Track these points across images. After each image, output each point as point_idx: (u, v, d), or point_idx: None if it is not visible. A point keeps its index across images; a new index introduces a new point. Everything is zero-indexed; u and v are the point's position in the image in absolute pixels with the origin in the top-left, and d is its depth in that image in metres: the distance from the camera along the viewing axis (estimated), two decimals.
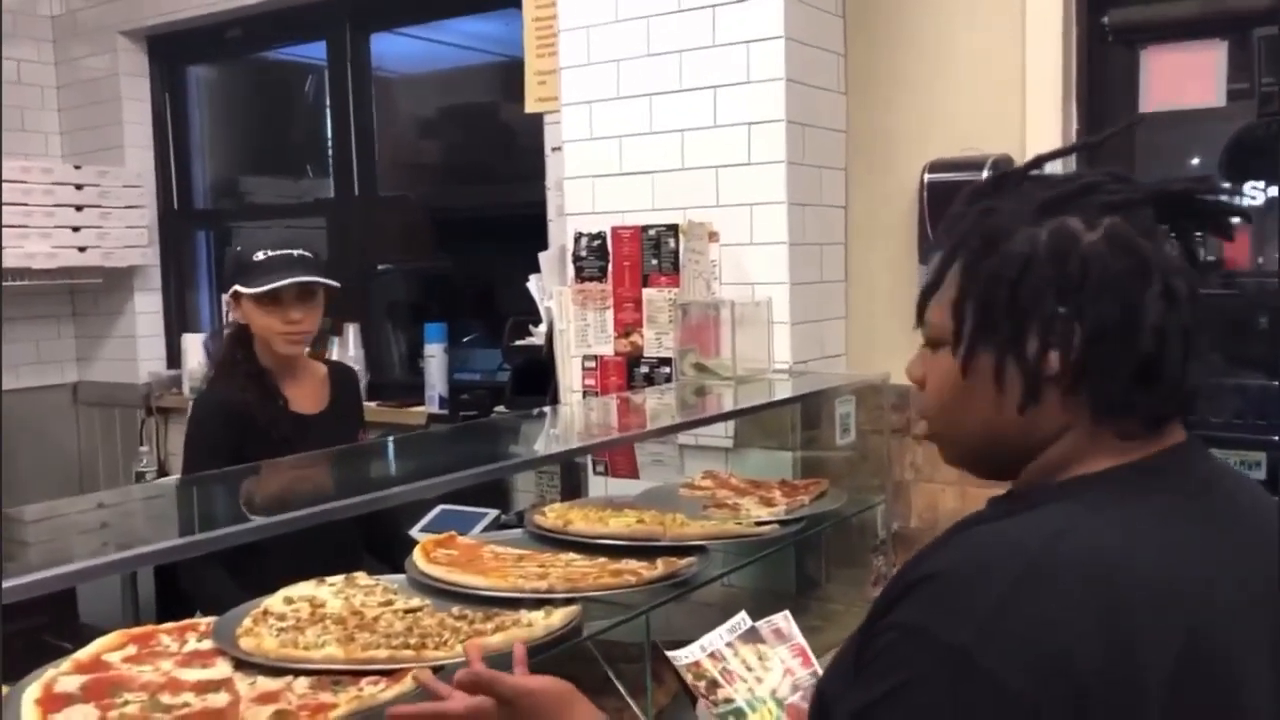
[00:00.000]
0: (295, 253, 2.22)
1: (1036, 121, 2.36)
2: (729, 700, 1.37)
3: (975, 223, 0.93)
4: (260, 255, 2.21)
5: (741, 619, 1.50)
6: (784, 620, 1.55)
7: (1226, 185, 1.00)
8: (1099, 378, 0.87)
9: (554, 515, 1.87)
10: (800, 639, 1.52)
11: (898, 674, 0.80)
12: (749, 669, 1.43)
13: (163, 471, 4.08)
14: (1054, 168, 1.06)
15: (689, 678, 1.40)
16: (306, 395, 2.33)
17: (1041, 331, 0.87)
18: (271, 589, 1.52)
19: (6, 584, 0.94)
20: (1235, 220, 1.02)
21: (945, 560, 0.85)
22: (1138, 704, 0.77)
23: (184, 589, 2.16)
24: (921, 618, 0.81)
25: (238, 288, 2.21)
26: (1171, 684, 0.78)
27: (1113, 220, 0.88)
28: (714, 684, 1.38)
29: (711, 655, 1.42)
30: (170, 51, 4.33)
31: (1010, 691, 0.75)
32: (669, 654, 1.41)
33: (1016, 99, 2.39)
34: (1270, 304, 2.23)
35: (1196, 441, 0.93)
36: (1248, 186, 2.26)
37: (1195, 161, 2.40)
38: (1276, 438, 2.18)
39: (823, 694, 0.96)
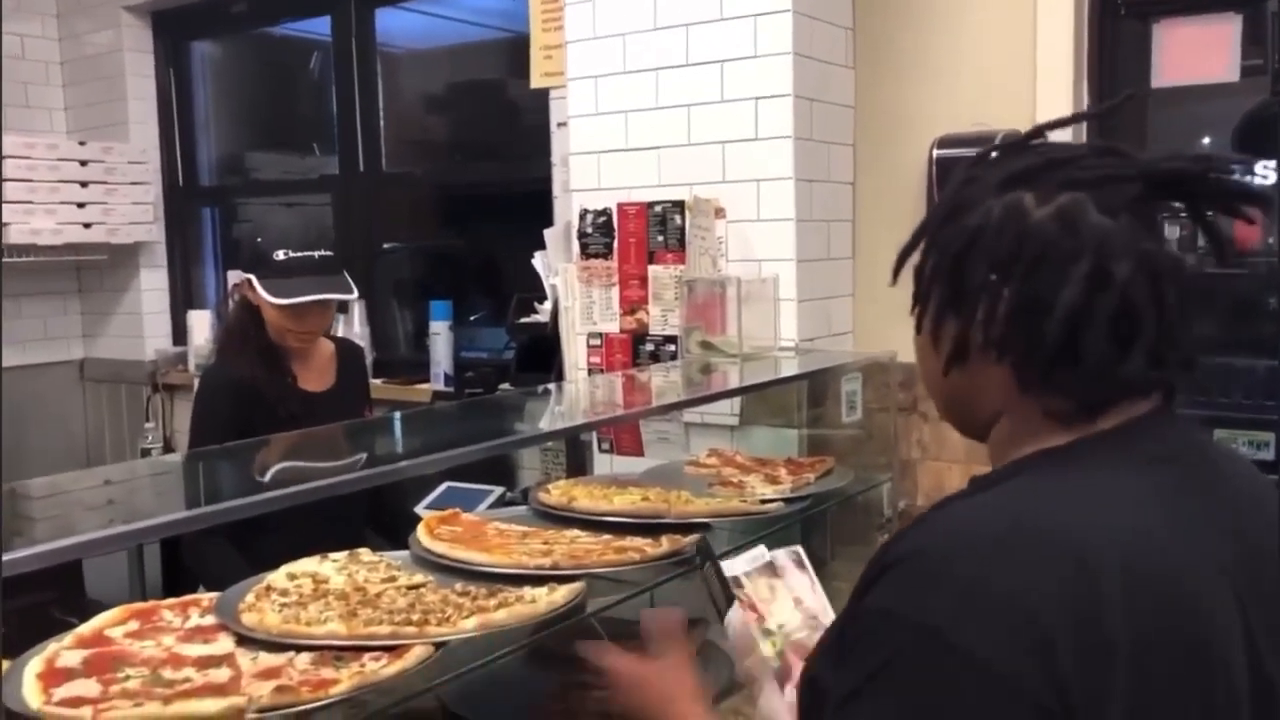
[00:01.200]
0: (316, 255, 2.20)
1: (1047, 96, 2.33)
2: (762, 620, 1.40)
3: (954, 192, 0.96)
4: (281, 254, 2.18)
5: (760, 552, 1.50)
6: (796, 555, 1.57)
7: (1237, 162, 0.97)
8: (1019, 352, 0.89)
9: (558, 492, 1.86)
10: (811, 573, 1.54)
11: (876, 657, 0.80)
12: (761, 600, 1.44)
13: (168, 448, 4.09)
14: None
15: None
16: (314, 372, 2.33)
17: (971, 299, 0.90)
18: (276, 565, 1.52)
19: (9, 556, 0.94)
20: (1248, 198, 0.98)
21: (914, 542, 0.85)
22: (1109, 665, 0.77)
23: (187, 564, 2.17)
24: (893, 601, 0.82)
25: (254, 281, 2.19)
26: (1141, 645, 0.77)
27: (1072, 197, 0.88)
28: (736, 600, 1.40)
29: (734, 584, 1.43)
30: (175, 27, 4.31)
31: (987, 665, 0.76)
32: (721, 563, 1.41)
33: (1027, 73, 2.36)
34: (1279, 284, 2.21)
35: (1167, 413, 0.92)
36: (1259, 166, 2.24)
37: (1206, 140, 2.38)
38: None
39: (813, 678, 0.96)
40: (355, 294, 2.26)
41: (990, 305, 0.88)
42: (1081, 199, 0.88)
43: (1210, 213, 0.95)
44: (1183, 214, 0.95)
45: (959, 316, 0.91)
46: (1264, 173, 2.24)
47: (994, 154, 0.98)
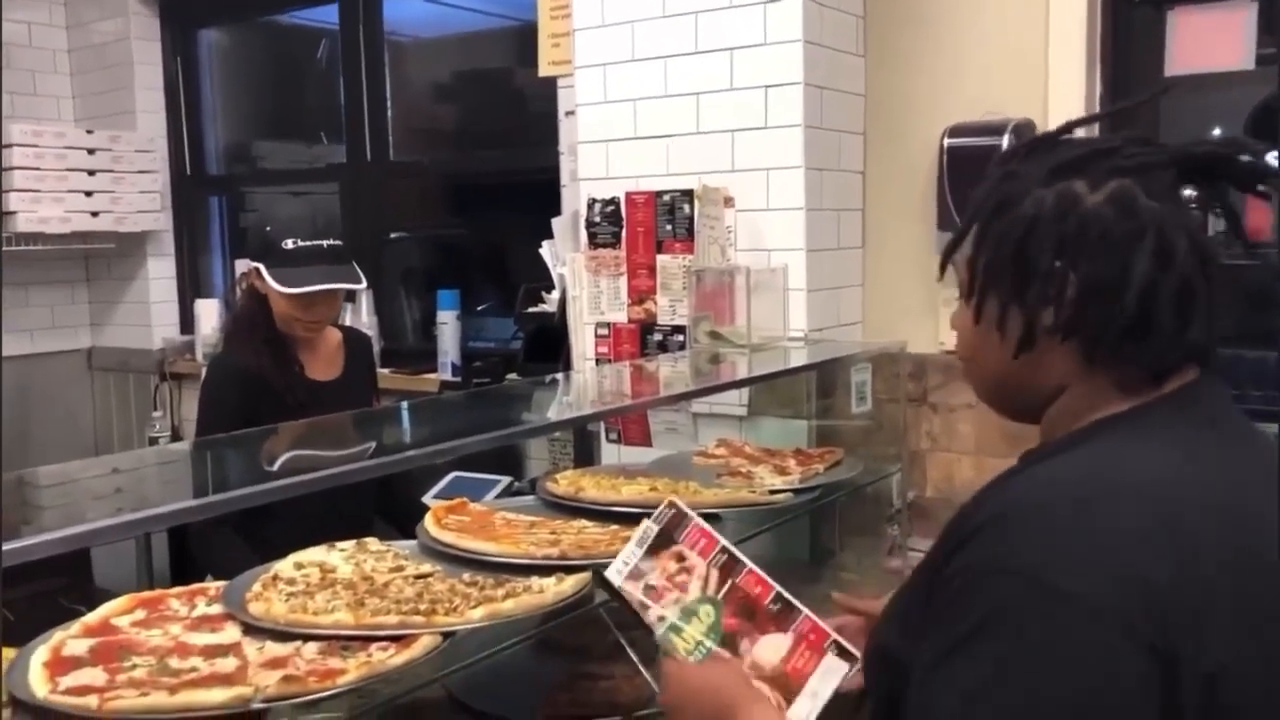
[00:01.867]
0: (325, 244, 2.19)
1: (1059, 84, 2.31)
2: (662, 619, 1.27)
3: (994, 186, 1.00)
4: (290, 244, 2.17)
5: (646, 527, 1.33)
6: (676, 510, 1.35)
7: (1258, 145, 1.01)
8: (1089, 331, 0.93)
9: (566, 482, 1.85)
10: (697, 519, 1.34)
11: (980, 610, 0.82)
12: (672, 579, 1.30)
13: (176, 437, 4.09)
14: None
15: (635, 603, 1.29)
16: (321, 361, 2.32)
17: (1040, 285, 0.94)
18: (283, 554, 1.52)
19: (15, 544, 0.93)
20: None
21: (1003, 502, 0.88)
22: (1209, 615, 0.80)
23: (194, 554, 2.16)
24: (993, 554, 0.84)
25: (263, 270, 2.18)
26: (1235, 596, 0.82)
27: (1121, 183, 0.93)
28: (643, 606, 1.28)
29: (631, 576, 1.31)
30: (182, 15, 4.30)
31: (1100, 609, 0.78)
32: (610, 578, 1.31)
33: (1039, 61, 2.34)
34: None
35: (1213, 377, 0.98)
36: (1271, 156, 2.22)
37: (1216, 131, 2.35)
38: None
39: (883, 648, 0.99)
40: (364, 284, 2.25)
41: (1058, 289, 0.93)
42: (1130, 185, 0.93)
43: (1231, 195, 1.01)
44: (1194, 203, 1.01)
45: (1025, 303, 0.95)
46: (1274, 162, 2.22)
47: (1026, 150, 1.02)
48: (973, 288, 1.00)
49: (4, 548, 0.91)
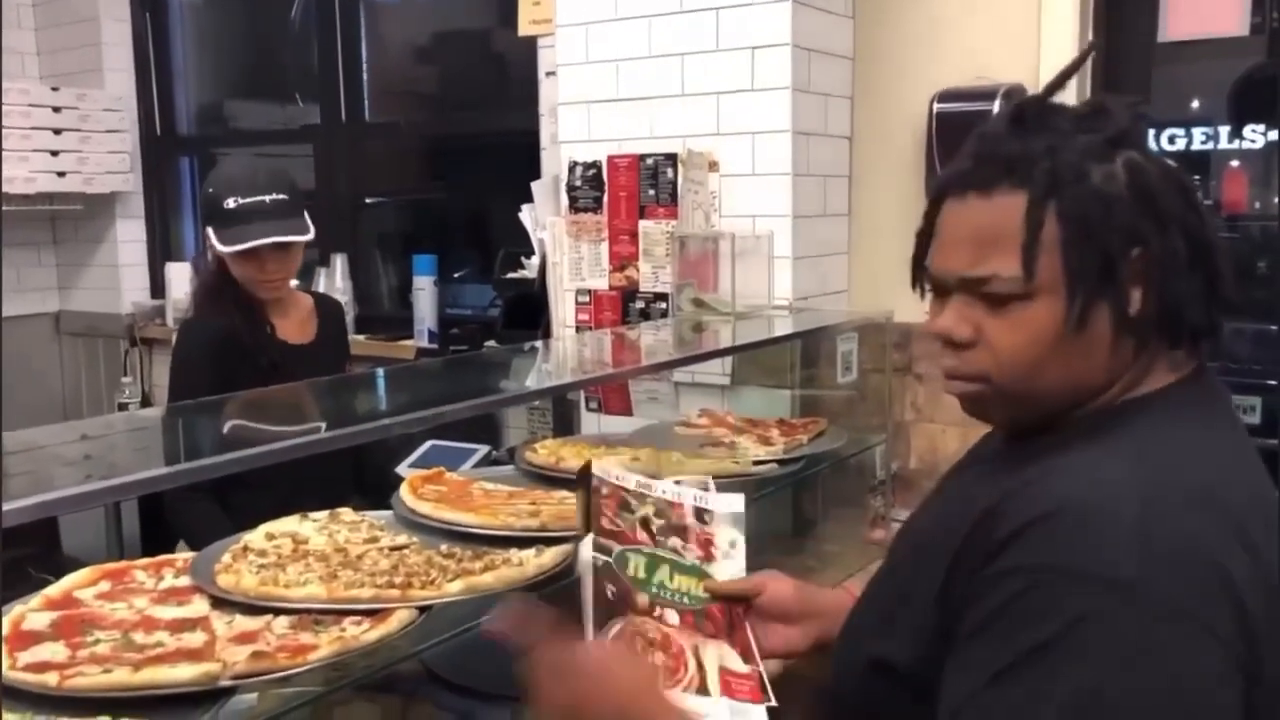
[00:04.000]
0: (268, 199, 2.12)
1: (1052, 49, 2.26)
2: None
3: (1036, 161, 0.88)
4: (232, 202, 2.11)
5: (737, 500, 1.26)
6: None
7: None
8: (1179, 307, 0.88)
9: (546, 452, 1.81)
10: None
11: (1054, 621, 0.75)
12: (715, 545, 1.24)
13: (146, 403, 4.03)
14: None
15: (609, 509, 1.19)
16: (293, 326, 2.27)
17: (1127, 270, 0.86)
18: (254, 525, 1.47)
19: None
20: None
21: (1055, 497, 0.80)
22: (1276, 609, 0.78)
23: (169, 522, 2.12)
24: (1060, 557, 0.77)
25: (210, 234, 2.14)
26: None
27: (1158, 159, 0.90)
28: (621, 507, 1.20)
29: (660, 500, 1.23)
30: None
31: (1187, 613, 0.74)
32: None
33: (1031, 25, 2.30)
34: (1268, 247, 2.20)
35: (1209, 370, 0.95)
36: (1248, 129, 2.21)
37: (1195, 103, 2.33)
38: (1272, 381, 2.16)
39: (880, 660, 0.91)
40: (309, 234, 2.17)
41: (1146, 270, 0.87)
42: (1157, 156, 0.91)
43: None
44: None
45: (1113, 293, 0.87)
46: (1252, 136, 2.21)
47: (1069, 116, 0.91)
48: (1067, 286, 0.86)
49: None
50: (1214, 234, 0.89)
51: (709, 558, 1.23)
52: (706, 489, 1.28)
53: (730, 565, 1.23)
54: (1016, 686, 0.75)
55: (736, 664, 1.17)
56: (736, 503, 1.27)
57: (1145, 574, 0.74)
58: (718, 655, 1.18)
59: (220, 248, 2.11)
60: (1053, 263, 0.87)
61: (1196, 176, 2.25)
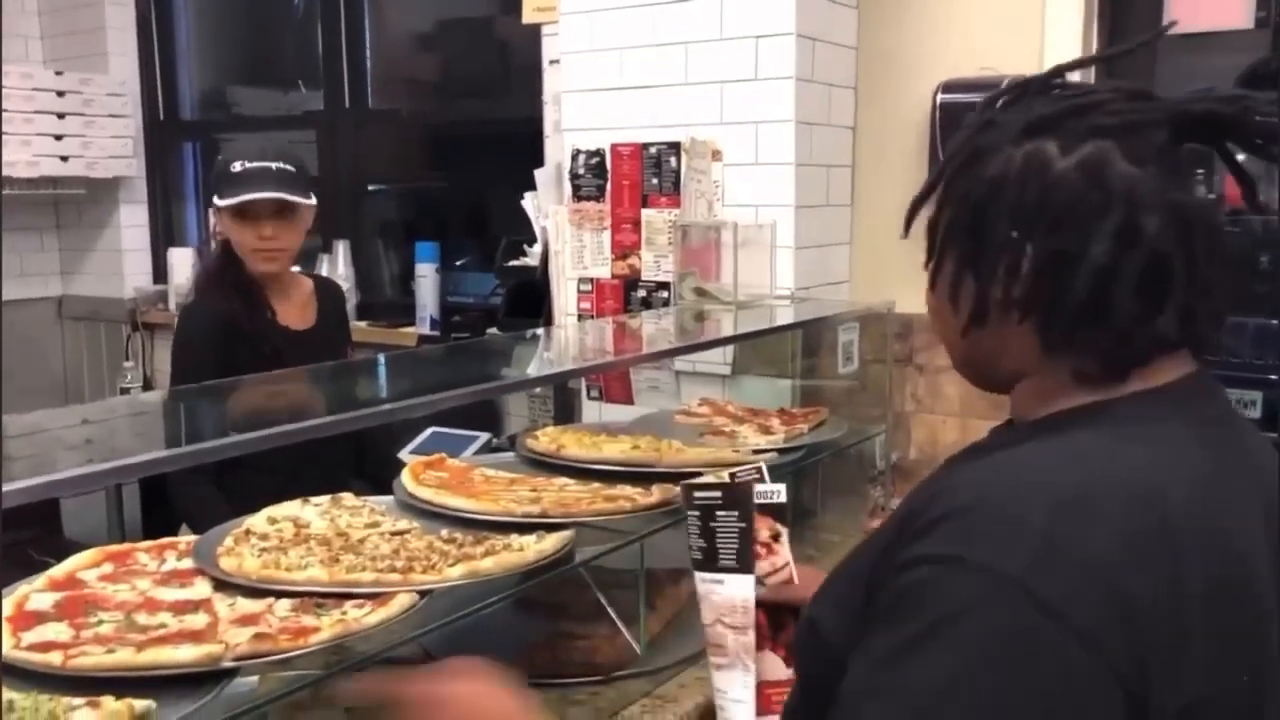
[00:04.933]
0: (274, 166, 2.13)
1: (1056, 40, 2.26)
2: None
3: (970, 137, 0.90)
4: (238, 166, 2.13)
5: (779, 489, 1.23)
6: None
7: (1266, 100, 0.90)
8: (1043, 312, 0.85)
9: (547, 439, 1.82)
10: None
11: (942, 606, 0.74)
12: (761, 543, 1.21)
13: (148, 387, 4.04)
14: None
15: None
16: (294, 310, 2.28)
17: (993, 256, 0.85)
18: (256, 508, 1.48)
19: None
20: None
21: (972, 492, 0.79)
22: (1184, 631, 0.74)
23: (171, 504, 2.13)
24: (962, 549, 0.75)
25: (215, 199, 2.14)
26: (1218, 620, 0.76)
27: (1097, 146, 0.83)
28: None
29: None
30: None
31: (1068, 618, 0.71)
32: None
33: (1036, 17, 2.29)
34: (1272, 241, 2.20)
35: (1205, 376, 0.89)
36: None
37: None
38: (1274, 377, 2.15)
39: (814, 621, 0.92)
40: (311, 200, 2.18)
41: (1012, 263, 0.84)
42: (1108, 147, 0.83)
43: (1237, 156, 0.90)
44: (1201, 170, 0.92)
45: (979, 274, 0.86)
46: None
47: (1011, 95, 0.91)
48: (931, 249, 0.92)
49: None
50: (1104, 254, 0.81)
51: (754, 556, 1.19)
52: (760, 475, 1.24)
53: (774, 559, 1.20)
54: (892, 671, 0.75)
55: (779, 672, 1.16)
56: (778, 493, 1.21)
57: (1033, 572, 0.72)
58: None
59: (218, 202, 2.12)
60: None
61: (1200, 170, 2.24)
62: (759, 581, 1.19)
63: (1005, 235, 0.84)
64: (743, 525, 1.18)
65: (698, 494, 1.22)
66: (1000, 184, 0.85)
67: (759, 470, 1.26)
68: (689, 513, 1.23)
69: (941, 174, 0.92)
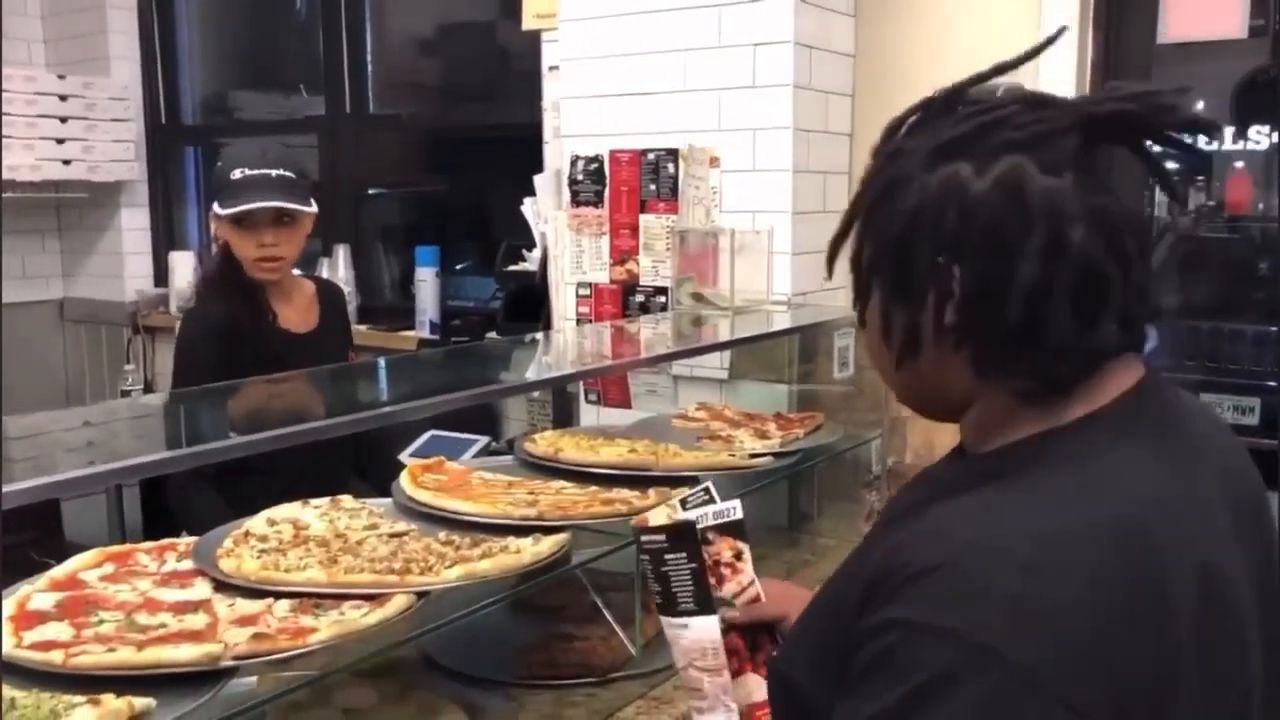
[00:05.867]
0: (274, 173, 2.13)
1: (1052, 49, 2.26)
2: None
3: (879, 168, 0.88)
4: (238, 174, 2.13)
5: (733, 506, 1.17)
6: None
7: (1174, 93, 0.83)
8: (976, 338, 0.82)
9: (545, 443, 1.83)
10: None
11: (919, 674, 0.71)
12: (724, 564, 1.17)
13: (149, 390, 4.04)
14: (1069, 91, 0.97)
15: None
16: (296, 313, 2.28)
17: (920, 288, 0.83)
18: (256, 510, 1.49)
19: None
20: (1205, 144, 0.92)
21: (939, 549, 0.76)
22: (1172, 678, 0.72)
23: (170, 506, 2.13)
24: (931, 614, 0.72)
25: (214, 206, 2.16)
26: (1197, 645, 0.74)
27: (1010, 162, 0.80)
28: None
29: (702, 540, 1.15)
30: None
31: (1053, 688, 0.69)
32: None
33: (1032, 25, 2.30)
34: (1270, 248, 2.20)
35: (1152, 376, 0.86)
36: (1253, 130, 2.21)
37: (1200, 105, 2.34)
38: (1272, 383, 2.16)
39: (786, 678, 0.90)
40: (311, 208, 2.19)
41: (941, 292, 0.82)
42: (1021, 162, 0.80)
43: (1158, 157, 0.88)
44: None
45: (907, 306, 0.84)
46: (1257, 137, 2.22)
47: (915, 119, 0.89)
48: (857, 286, 0.89)
49: None
50: (1033, 273, 0.78)
51: (719, 580, 1.14)
52: (709, 496, 1.19)
53: (740, 578, 1.15)
54: None
55: (763, 692, 1.09)
56: (733, 509, 1.15)
57: (1009, 639, 0.70)
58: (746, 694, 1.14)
59: (218, 211, 2.14)
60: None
61: (1200, 178, 2.26)
62: (728, 603, 1.15)
63: (930, 263, 0.82)
64: (693, 566, 1.13)
65: (645, 538, 1.16)
66: (918, 214, 0.82)
67: (707, 491, 1.20)
68: (640, 557, 1.18)
69: (856, 210, 0.89)
